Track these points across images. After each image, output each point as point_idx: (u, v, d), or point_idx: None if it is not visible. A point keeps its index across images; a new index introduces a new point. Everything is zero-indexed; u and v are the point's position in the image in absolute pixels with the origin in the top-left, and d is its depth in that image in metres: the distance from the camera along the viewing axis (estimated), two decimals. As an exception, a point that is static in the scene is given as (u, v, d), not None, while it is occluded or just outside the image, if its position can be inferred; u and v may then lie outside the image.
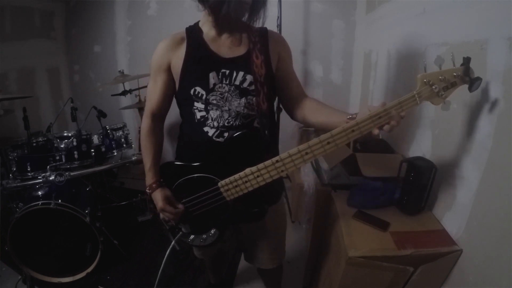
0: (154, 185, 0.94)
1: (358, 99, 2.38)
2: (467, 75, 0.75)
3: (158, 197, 0.93)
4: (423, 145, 1.24)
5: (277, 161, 0.77)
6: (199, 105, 0.90)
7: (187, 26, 0.96)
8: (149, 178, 0.95)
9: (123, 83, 2.14)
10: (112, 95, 2.29)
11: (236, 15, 0.82)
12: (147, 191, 0.95)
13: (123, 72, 2.08)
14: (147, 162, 0.96)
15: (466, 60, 0.74)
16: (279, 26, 1.96)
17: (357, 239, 0.98)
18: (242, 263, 1.78)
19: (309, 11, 2.30)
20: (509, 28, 0.76)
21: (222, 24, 0.87)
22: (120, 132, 2.15)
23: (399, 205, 1.12)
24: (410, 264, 0.92)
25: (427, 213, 1.10)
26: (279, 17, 1.96)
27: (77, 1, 2.78)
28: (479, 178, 0.86)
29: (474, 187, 0.88)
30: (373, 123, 0.73)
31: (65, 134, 1.82)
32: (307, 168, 1.68)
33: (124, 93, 2.14)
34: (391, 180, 1.18)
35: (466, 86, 0.76)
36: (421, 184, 1.05)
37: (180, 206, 0.93)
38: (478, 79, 0.75)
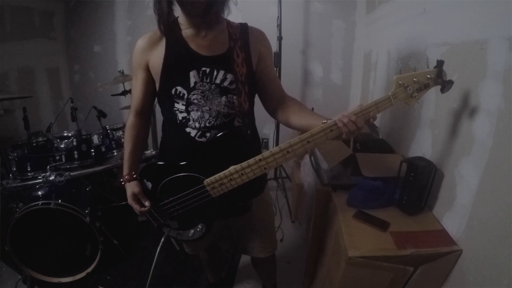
0: (126, 177, 0.96)
1: (358, 99, 2.38)
2: (439, 77, 0.79)
3: (127, 191, 0.95)
4: (423, 145, 1.24)
5: (260, 160, 0.81)
6: (179, 106, 0.90)
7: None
8: (124, 170, 0.98)
9: (123, 83, 2.13)
10: (112, 95, 2.29)
11: (191, 13, 0.81)
12: (121, 181, 0.97)
13: (123, 72, 2.08)
14: (125, 154, 0.99)
15: (440, 63, 0.79)
16: (279, 26, 1.96)
17: (357, 239, 0.98)
18: (242, 263, 1.78)
19: (309, 11, 2.30)
20: (509, 28, 0.76)
21: (192, 22, 0.86)
22: (120, 132, 2.14)
23: (399, 205, 1.12)
24: (410, 264, 0.92)
25: (427, 213, 1.10)
26: (279, 17, 1.95)
27: (77, 1, 2.78)
28: (479, 178, 0.86)
29: (474, 187, 0.88)
30: None
31: (65, 134, 1.82)
32: (307, 168, 1.68)
33: (124, 93, 2.14)
34: (391, 180, 1.18)
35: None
36: (421, 184, 1.05)
37: (147, 203, 0.94)
38: (450, 82, 0.80)
